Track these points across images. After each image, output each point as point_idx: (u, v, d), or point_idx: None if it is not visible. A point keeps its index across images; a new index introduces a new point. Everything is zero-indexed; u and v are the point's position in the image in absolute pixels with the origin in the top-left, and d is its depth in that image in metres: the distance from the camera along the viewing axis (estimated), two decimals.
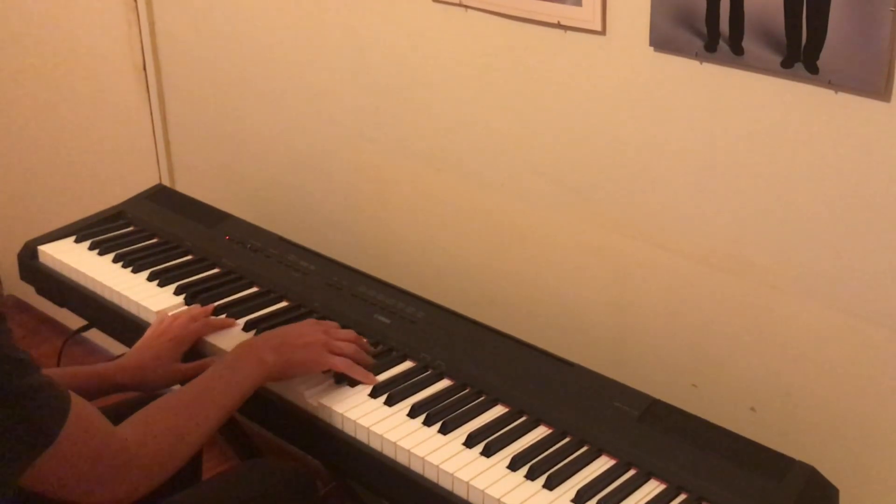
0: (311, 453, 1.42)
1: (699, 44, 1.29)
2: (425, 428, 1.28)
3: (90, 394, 1.36)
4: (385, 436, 1.27)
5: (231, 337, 1.50)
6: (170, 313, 1.54)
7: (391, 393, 1.34)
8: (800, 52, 1.20)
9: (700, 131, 1.35)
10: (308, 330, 1.40)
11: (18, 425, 1.03)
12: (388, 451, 1.27)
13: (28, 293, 2.11)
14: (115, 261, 1.72)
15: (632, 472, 1.21)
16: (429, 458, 1.22)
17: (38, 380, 1.06)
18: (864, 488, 1.32)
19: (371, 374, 1.38)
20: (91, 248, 1.76)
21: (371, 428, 1.28)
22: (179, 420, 1.23)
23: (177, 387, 1.50)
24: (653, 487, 1.19)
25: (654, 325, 1.49)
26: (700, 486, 1.16)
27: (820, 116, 1.23)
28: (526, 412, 1.31)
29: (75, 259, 1.73)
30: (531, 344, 1.44)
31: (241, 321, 1.53)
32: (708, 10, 1.26)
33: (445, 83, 1.65)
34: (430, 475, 1.22)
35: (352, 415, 1.30)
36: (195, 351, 1.49)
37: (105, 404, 1.42)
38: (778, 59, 1.22)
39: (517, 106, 1.56)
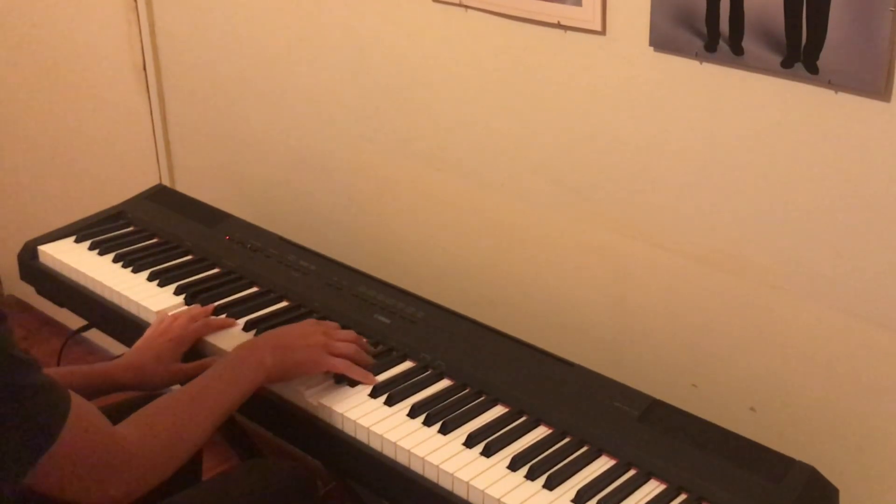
0: (311, 453, 1.42)
1: (699, 44, 1.29)
2: (425, 428, 1.28)
3: (90, 393, 1.36)
4: (385, 436, 1.27)
5: (231, 337, 1.50)
6: (170, 313, 1.54)
7: (391, 393, 1.34)
8: (800, 52, 1.20)
9: (700, 131, 1.35)
10: (308, 331, 1.40)
11: (21, 425, 1.03)
12: (388, 451, 1.27)
13: (28, 293, 2.11)
14: (115, 261, 1.72)
15: (632, 472, 1.21)
16: (429, 458, 1.22)
17: (39, 379, 1.06)
18: (864, 488, 1.32)
19: (371, 375, 1.37)
20: (91, 248, 1.76)
21: (371, 428, 1.28)
22: (178, 420, 1.23)
23: (176, 386, 1.50)
24: (653, 487, 1.19)
25: (654, 325, 1.49)
26: (700, 486, 1.16)
27: (820, 116, 1.23)
28: (526, 412, 1.31)
29: (75, 259, 1.73)
30: (531, 344, 1.44)
31: (241, 321, 1.53)
32: (708, 10, 1.26)
33: (445, 83, 1.65)
34: (430, 475, 1.22)
35: (352, 415, 1.30)
36: (195, 351, 1.49)
37: (105, 404, 1.42)
38: (778, 59, 1.22)
39: (517, 106, 1.56)
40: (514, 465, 1.21)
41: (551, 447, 1.24)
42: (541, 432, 1.28)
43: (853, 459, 1.32)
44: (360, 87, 1.79)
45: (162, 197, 1.94)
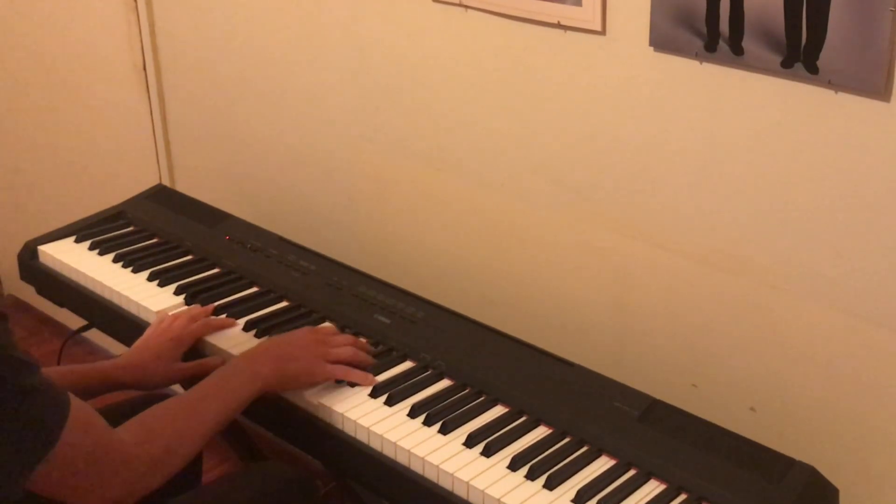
0: (311, 453, 1.42)
1: (699, 44, 1.29)
2: (425, 428, 1.28)
3: (90, 391, 1.37)
4: (385, 436, 1.27)
5: (231, 337, 1.50)
6: (170, 313, 1.54)
7: (391, 393, 1.34)
8: (800, 52, 1.20)
9: (700, 131, 1.35)
10: (305, 340, 1.40)
11: (22, 426, 1.03)
12: (388, 451, 1.27)
13: (28, 293, 2.11)
14: (115, 261, 1.72)
15: (632, 472, 1.21)
16: (429, 458, 1.22)
17: (38, 380, 1.06)
18: (864, 488, 1.32)
19: (370, 376, 1.37)
20: (91, 248, 1.76)
21: (371, 428, 1.28)
22: (178, 424, 1.23)
23: (177, 387, 1.51)
24: (653, 487, 1.19)
25: (654, 325, 1.49)
26: (700, 486, 1.16)
27: (820, 116, 1.23)
28: (526, 412, 1.31)
29: (75, 259, 1.73)
30: (531, 344, 1.44)
31: (241, 321, 1.53)
32: (708, 10, 1.26)
33: (445, 83, 1.65)
34: (430, 475, 1.22)
35: (352, 415, 1.30)
36: (195, 351, 1.49)
37: (105, 404, 1.42)
38: (778, 59, 1.22)
39: (517, 106, 1.56)
40: (514, 465, 1.21)
41: (551, 447, 1.24)
42: (541, 432, 1.28)
43: (853, 459, 1.32)
44: (360, 87, 1.79)
45: (162, 197, 1.94)
